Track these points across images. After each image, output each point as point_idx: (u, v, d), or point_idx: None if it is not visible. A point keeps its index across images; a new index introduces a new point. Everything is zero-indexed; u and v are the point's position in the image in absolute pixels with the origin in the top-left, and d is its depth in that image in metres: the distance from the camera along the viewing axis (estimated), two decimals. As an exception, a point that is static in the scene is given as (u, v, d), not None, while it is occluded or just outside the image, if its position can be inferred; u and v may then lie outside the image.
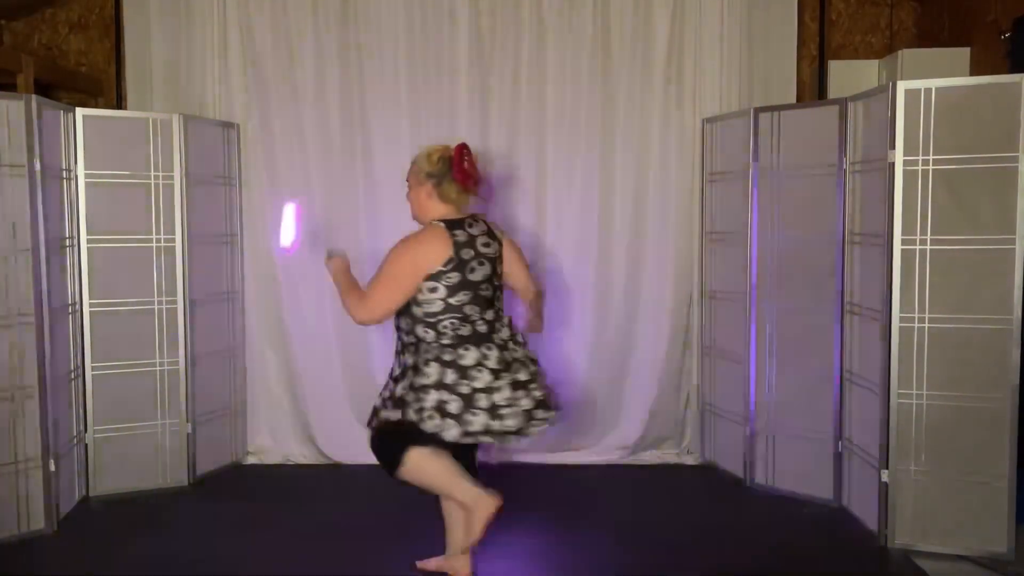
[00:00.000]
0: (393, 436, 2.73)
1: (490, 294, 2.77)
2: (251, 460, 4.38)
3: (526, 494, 3.91)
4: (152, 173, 3.85)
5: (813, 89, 4.44)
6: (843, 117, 3.55)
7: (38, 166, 3.37)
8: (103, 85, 4.56)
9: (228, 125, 4.22)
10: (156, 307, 3.89)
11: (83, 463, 3.81)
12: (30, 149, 3.34)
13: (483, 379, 2.67)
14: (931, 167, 3.15)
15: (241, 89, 4.27)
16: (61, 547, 3.35)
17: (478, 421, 2.65)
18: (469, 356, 2.68)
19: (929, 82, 3.15)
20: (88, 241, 3.74)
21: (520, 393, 2.70)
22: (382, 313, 2.71)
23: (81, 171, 3.71)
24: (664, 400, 4.35)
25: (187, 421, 3.98)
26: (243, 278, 4.32)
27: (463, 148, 2.75)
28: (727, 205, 4.06)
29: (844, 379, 3.65)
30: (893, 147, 3.18)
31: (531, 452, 4.35)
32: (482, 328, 2.74)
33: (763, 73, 4.22)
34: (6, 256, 3.31)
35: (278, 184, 4.27)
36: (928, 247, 3.17)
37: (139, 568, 3.15)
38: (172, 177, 3.88)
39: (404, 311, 2.74)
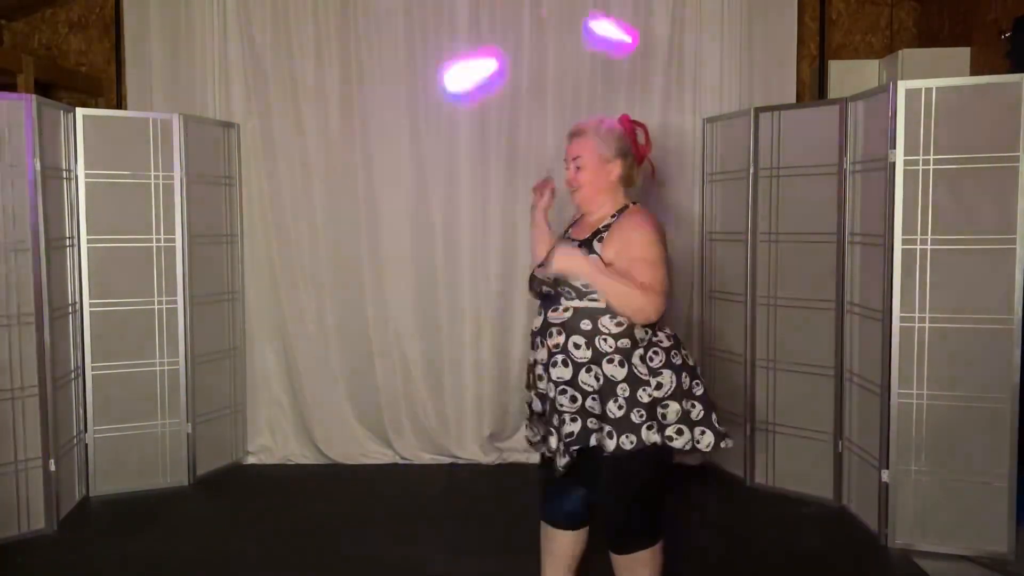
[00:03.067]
0: (654, 488, 2.35)
1: None
2: (251, 460, 4.37)
3: (526, 494, 3.91)
4: (152, 173, 3.85)
5: (813, 89, 4.43)
6: (843, 117, 3.55)
7: (38, 166, 3.37)
8: (103, 85, 4.56)
9: (228, 125, 4.22)
10: (156, 307, 3.89)
11: (83, 463, 3.81)
12: (30, 149, 3.34)
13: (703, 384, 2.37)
14: (931, 167, 3.15)
15: (241, 89, 4.27)
16: (61, 547, 3.34)
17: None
18: (690, 357, 2.37)
19: (929, 82, 3.15)
20: (88, 241, 3.74)
21: None
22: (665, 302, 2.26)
23: (81, 171, 3.71)
24: (664, 400, 4.34)
25: (187, 421, 3.98)
26: (243, 278, 4.32)
27: (631, 120, 2.39)
28: (727, 205, 4.06)
29: (844, 379, 3.65)
30: (893, 147, 3.18)
31: (530, 452, 4.35)
32: None
33: (763, 73, 4.22)
34: (6, 256, 3.32)
35: (278, 184, 4.28)
36: (928, 247, 3.17)
37: (139, 568, 3.15)
38: (172, 177, 3.88)
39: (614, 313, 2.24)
